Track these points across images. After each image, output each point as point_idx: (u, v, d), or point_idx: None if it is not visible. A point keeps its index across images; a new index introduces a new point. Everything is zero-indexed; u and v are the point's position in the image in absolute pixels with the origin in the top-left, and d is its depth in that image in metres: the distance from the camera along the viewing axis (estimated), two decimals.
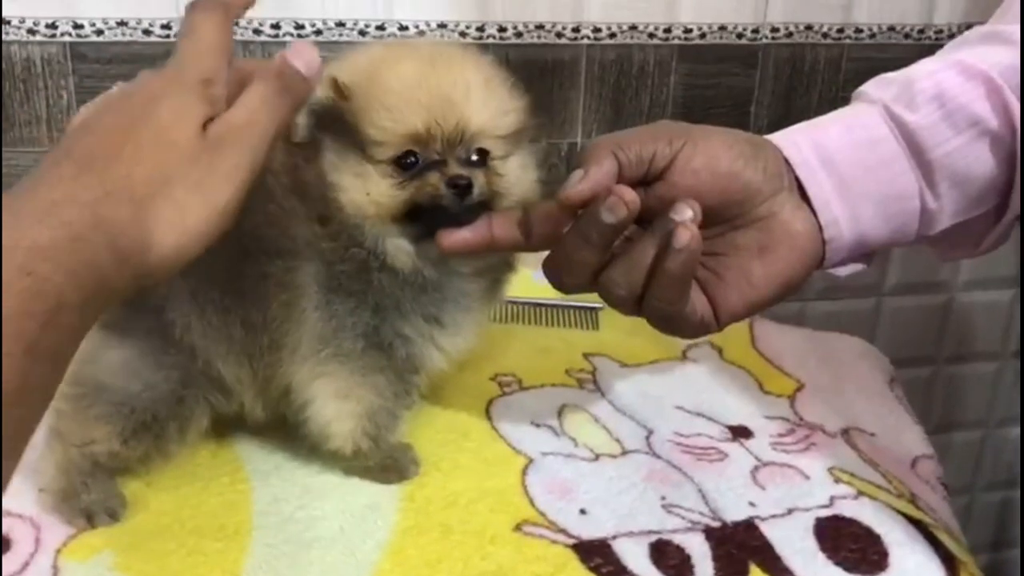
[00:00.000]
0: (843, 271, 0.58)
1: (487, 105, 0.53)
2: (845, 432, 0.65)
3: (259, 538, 0.52)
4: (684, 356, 0.74)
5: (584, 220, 0.50)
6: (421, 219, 0.53)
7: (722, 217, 0.53)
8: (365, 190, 0.52)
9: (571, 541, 0.54)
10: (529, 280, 0.85)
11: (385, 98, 0.52)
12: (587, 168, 0.50)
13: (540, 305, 0.80)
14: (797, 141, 0.55)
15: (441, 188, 0.52)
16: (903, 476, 0.63)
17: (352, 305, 0.54)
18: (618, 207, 0.48)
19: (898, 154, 0.54)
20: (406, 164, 0.52)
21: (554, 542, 0.53)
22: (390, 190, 0.52)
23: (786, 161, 0.54)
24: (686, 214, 0.48)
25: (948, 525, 0.60)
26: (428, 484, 0.58)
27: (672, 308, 0.51)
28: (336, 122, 0.52)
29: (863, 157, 0.54)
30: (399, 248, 0.53)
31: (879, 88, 0.56)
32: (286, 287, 0.53)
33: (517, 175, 0.55)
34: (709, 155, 0.52)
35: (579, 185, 0.49)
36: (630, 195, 0.48)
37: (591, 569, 0.52)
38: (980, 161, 0.54)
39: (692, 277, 0.50)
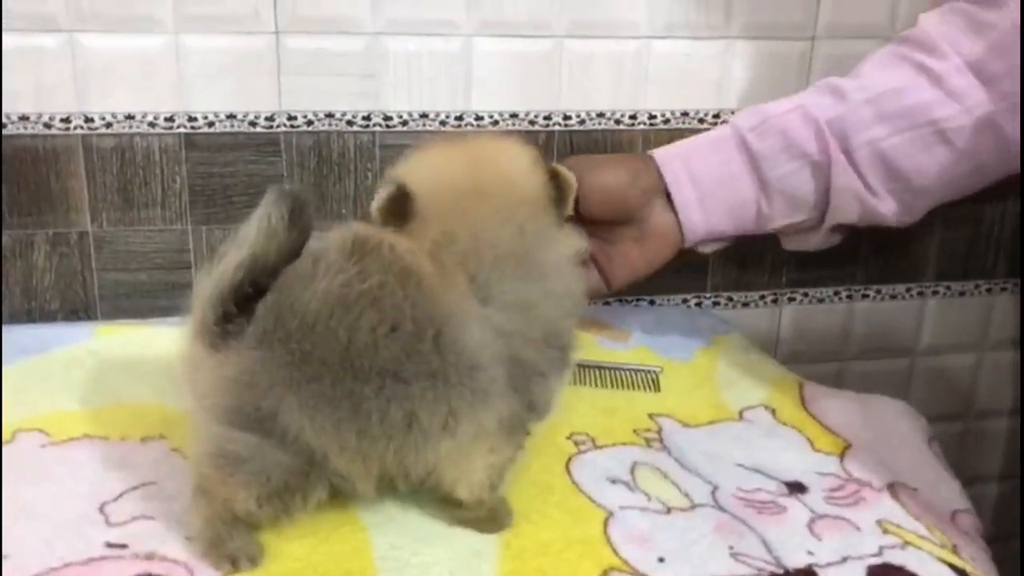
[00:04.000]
0: (704, 249, 0.86)
1: None
2: (891, 487, 0.72)
3: None
4: (741, 417, 0.81)
5: None
6: None
7: (612, 221, 0.80)
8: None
9: None
10: (593, 344, 0.93)
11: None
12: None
13: (604, 368, 0.87)
14: (674, 165, 0.81)
15: None
16: (944, 527, 0.69)
17: (537, 384, 0.62)
18: None
19: (743, 174, 0.81)
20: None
21: None
22: None
23: (656, 166, 0.81)
24: None
25: (987, 573, 0.66)
26: (522, 534, 0.64)
27: None
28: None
29: (719, 173, 0.81)
30: None
31: (746, 117, 0.82)
32: (448, 401, 0.58)
33: None
34: (600, 186, 0.78)
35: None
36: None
37: None
38: (804, 183, 0.81)
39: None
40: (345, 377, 0.57)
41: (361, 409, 0.57)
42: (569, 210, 0.66)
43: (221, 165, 0.89)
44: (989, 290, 1.12)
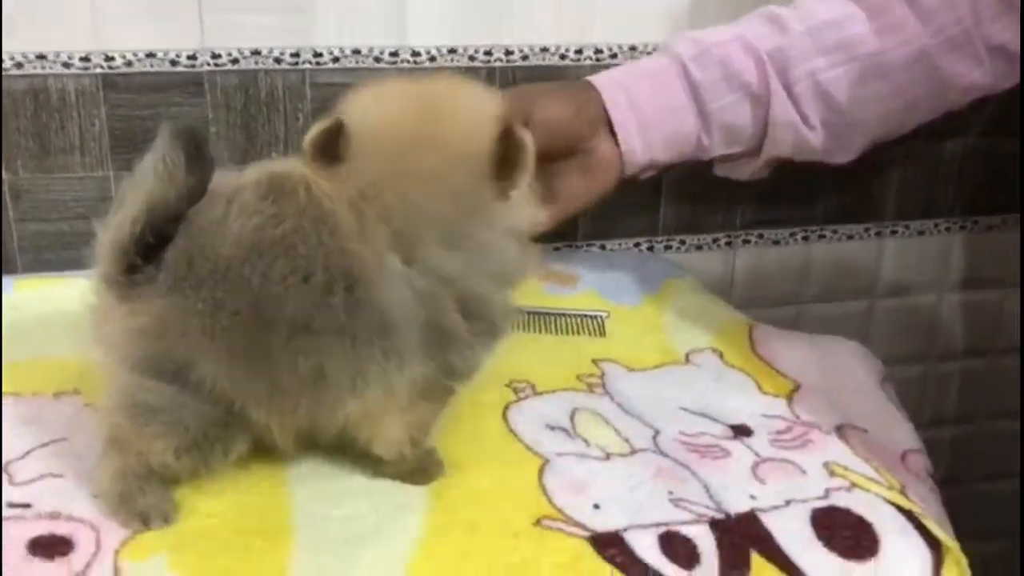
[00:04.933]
0: (641, 176, 0.83)
1: None
2: (839, 429, 0.70)
3: (301, 537, 0.56)
4: (687, 360, 0.79)
5: None
6: None
7: (558, 152, 0.78)
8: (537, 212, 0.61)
9: (587, 534, 0.58)
10: (539, 290, 0.90)
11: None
12: None
13: (550, 314, 0.85)
14: (615, 94, 0.79)
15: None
16: (894, 469, 0.67)
17: (455, 351, 0.58)
18: None
19: (685, 104, 0.80)
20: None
21: (571, 535, 0.58)
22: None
23: (597, 92, 0.79)
24: None
25: (936, 514, 0.64)
26: (453, 484, 0.62)
27: None
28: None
29: (661, 104, 0.79)
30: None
31: (687, 46, 0.80)
32: (355, 360, 0.55)
33: None
34: (545, 119, 0.75)
35: None
36: None
37: (606, 559, 0.56)
38: (742, 114, 0.80)
39: None
40: (256, 327, 0.54)
41: (272, 361, 0.55)
42: (523, 177, 0.58)
43: (142, 107, 0.85)
44: (948, 229, 1.10)
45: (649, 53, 0.93)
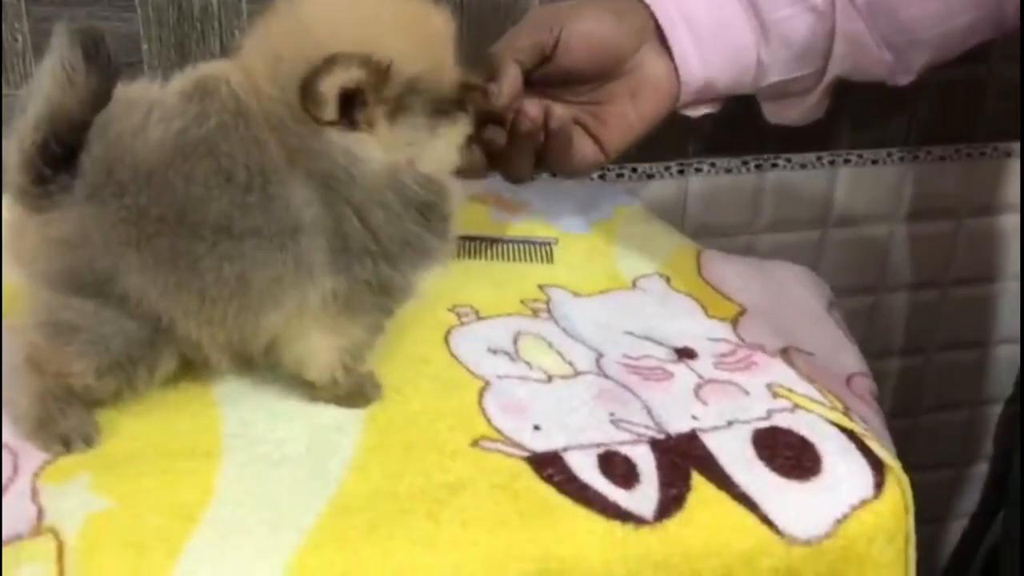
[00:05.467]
0: (694, 112, 0.77)
1: None
2: (784, 351, 0.69)
3: (229, 458, 0.55)
4: (634, 285, 0.77)
5: (524, 143, 0.68)
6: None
7: (601, 74, 0.71)
8: (452, 144, 0.57)
9: (525, 454, 0.57)
10: (487, 217, 0.88)
11: (441, 57, 0.55)
12: (499, 82, 0.66)
13: (497, 241, 0.83)
14: (666, 5, 0.71)
15: (486, 98, 0.61)
16: (838, 391, 0.67)
17: (371, 265, 0.56)
18: (525, 121, 0.67)
19: (741, 15, 0.72)
20: (464, 101, 0.56)
21: (509, 455, 0.57)
22: (462, 128, 0.58)
23: (653, 16, 0.71)
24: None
25: (878, 434, 0.64)
26: (390, 407, 0.60)
27: (567, 165, 0.72)
28: (384, 99, 0.53)
29: (715, 16, 0.71)
30: (455, 183, 0.59)
31: None
32: (275, 265, 0.53)
33: None
34: (582, 33, 0.69)
35: (499, 101, 0.65)
36: (533, 112, 0.67)
37: (544, 478, 0.55)
38: (803, 28, 0.72)
39: (570, 146, 0.71)
40: (182, 234, 0.52)
41: (198, 269, 0.53)
42: (324, 111, 0.52)
43: (68, 22, 0.80)
44: (902, 159, 1.09)
45: None
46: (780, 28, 0.72)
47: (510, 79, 0.67)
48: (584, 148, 0.72)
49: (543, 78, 0.70)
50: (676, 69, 0.71)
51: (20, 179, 0.52)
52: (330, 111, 0.53)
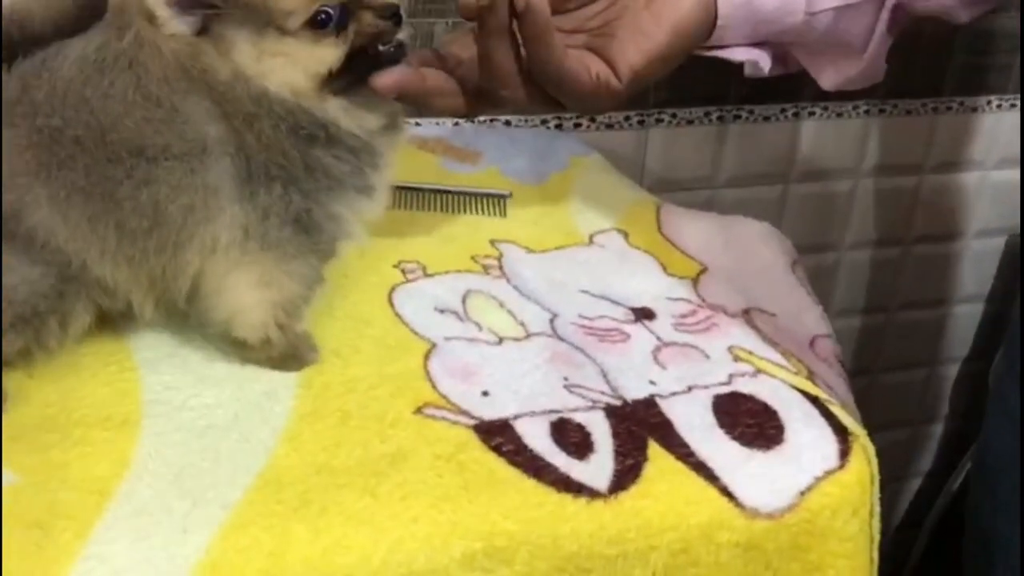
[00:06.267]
0: (741, 55, 0.63)
1: None
2: (746, 312, 0.66)
3: (149, 427, 0.50)
4: (591, 241, 0.74)
5: (491, 21, 0.52)
6: (347, 75, 0.51)
7: None
8: (300, 66, 0.50)
9: (473, 422, 0.53)
10: (436, 167, 0.84)
11: None
12: None
13: (447, 192, 0.78)
14: None
15: (380, 23, 0.51)
16: (802, 354, 0.64)
17: (280, 192, 0.51)
18: None
19: None
20: (321, 22, 0.50)
21: (455, 423, 0.53)
22: (328, 53, 0.50)
23: None
24: None
25: (844, 400, 0.61)
26: (327, 371, 0.56)
27: (550, 66, 0.54)
28: (230, 9, 0.49)
29: None
30: (343, 112, 0.52)
31: None
32: (187, 190, 0.50)
33: None
34: None
35: None
36: None
37: (492, 448, 0.52)
38: None
39: (548, 28, 0.53)
40: (99, 158, 0.48)
41: (116, 197, 0.49)
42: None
43: None
44: (867, 112, 1.06)
45: None
46: None
47: None
48: (589, 64, 0.57)
49: None
50: None
51: None
52: (164, 18, 0.49)
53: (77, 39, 0.49)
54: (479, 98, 0.58)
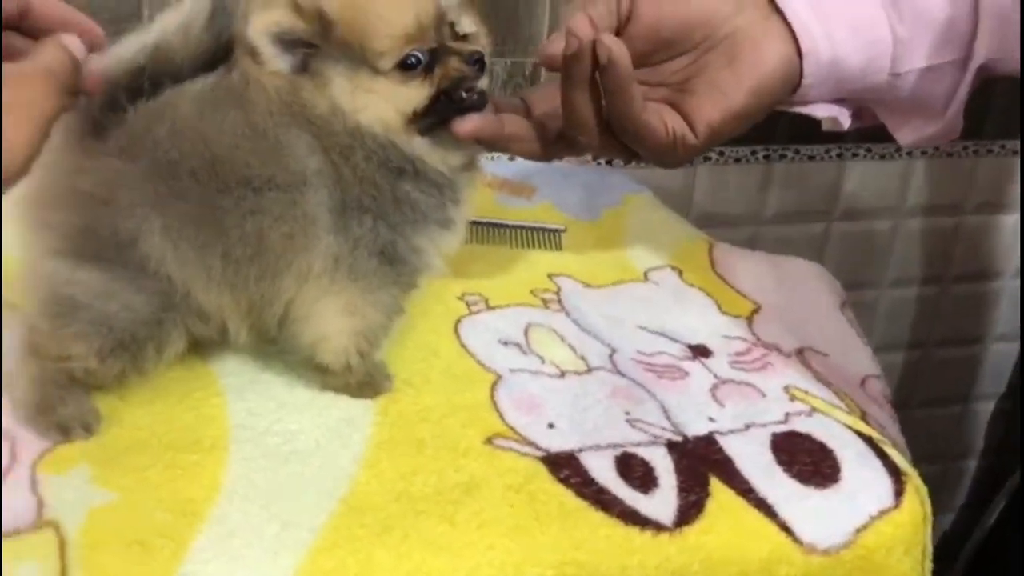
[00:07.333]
0: (821, 112, 0.64)
1: None
2: (799, 352, 0.68)
3: (236, 452, 0.53)
4: (646, 278, 0.76)
5: (575, 70, 0.55)
6: (432, 116, 0.54)
7: (691, 42, 0.60)
8: (390, 104, 0.53)
9: (540, 454, 0.55)
10: (493, 201, 0.86)
11: (373, 9, 0.52)
12: (571, 23, 0.55)
13: (504, 226, 0.81)
14: None
15: (464, 68, 0.54)
16: (853, 394, 0.66)
17: (370, 224, 0.54)
18: (602, 50, 0.53)
19: None
20: (410, 64, 0.53)
21: (523, 455, 0.55)
22: (416, 94, 0.53)
23: None
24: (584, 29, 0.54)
25: (895, 440, 0.63)
26: (400, 399, 0.59)
27: (628, 119, 0.56)
28: (328, 48, 0.52)
29: None
30: (429, 149, 0.55)
31: None
32: (288, 219, 0.52)
33: (483, 39, 0.57)
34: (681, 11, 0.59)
35: (557, 40, 0.55)
36: (609, 38, 0.54)
37: (560, 480, 0.54)
38: (942, 4, 0.59)
39: (630, 82, 0.55)
40: (210, 188, 0.51)
41: (224, 227, 0.52)
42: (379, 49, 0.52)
43: None
44: (910, 154, 1.08)
45: None
46: (913, 1, 0.60)
47: (575, 21, 0.55)
48: (666, 118, 0.58)
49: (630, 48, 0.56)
50: (793, 35, 0.59)
51: (94, 101, 0.50)
52: (267, 56, 0.52)
53: (193, 82, 0.52)
54: (556, 143, 0.60)
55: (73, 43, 0.45)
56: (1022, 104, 1.01)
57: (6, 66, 0.42)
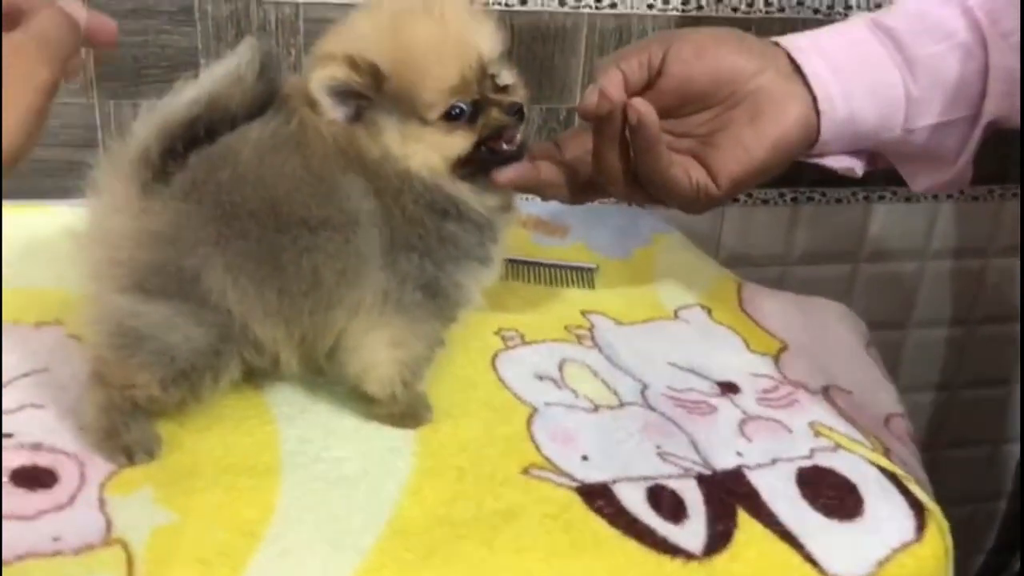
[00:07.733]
0: (836, 163, 0.68)
1: (485, 31, 0.59)
2: (825, 390, 0.70)
3: (289, 476, 0.56)
4: (676, 316, 0.79)
5: (606, 128, 0.60)
6: (474, 164, 0.59)
7: (716, 98, 0.64)
8: (436, 151, 0.57)
9: (575, 484, 0.58)
10: (527, 240, 0.89)
11: (422, 65, 0.56)
12: (598, 82, 0.60)
13: (539, 264, 0.84)
14: (795, 40, 0.65)
15: (504, 118, 0.58)
16: (878, 432, 0.68)
17: (416, 260, 0.58)
18: (632, 112, 0.59)
19: (882, 52, 0.65)
20: (455, 115, 0.57)
21: (559, 485, 0.58)
22: (460, 142, 0.58)
23: (777, 44, 0.65)
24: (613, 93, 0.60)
25: (918, 477, 0.65)
26: (441, 430, 0.62)
27: (655, 174, 0.61)
28: (380, 99, 0.56)
29: (852, 51, 0.65)
30: (470, 192, 0.59)
31: (864, 13, 0.67)
32: (341, 257, 0.56)
33: (521, 90, 0.61)
34: (696, 45, 0.63)
35: (592, 96, 0.60)
36: (640, 102, 0.59)
37: (594, 510, 0.56)
38: (955, 64, 0.64)
39: (657, 142, 0.60)
40: (269, 228, 0.55)
41: (281, 263, 0.56)
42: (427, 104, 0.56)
43: (130, 34, 0.82)
44: (935, 197, 1.10)
45: (650, 4, 0.92)
46: (927, 63, 0.65)
47: (609, 77, 0.61)
48: (690, 171, 0.62)
49: (654, 105, 0.60)
50: (812, 95, 0.63)
51: (154, 149, 0.53)
52: (325, 106, 0.56)
53: (255, 124, 0.55)
54: (585, 189, 0.65)
55: (71, 5, 0.45)
56: (1022, 155, 1.03)
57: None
